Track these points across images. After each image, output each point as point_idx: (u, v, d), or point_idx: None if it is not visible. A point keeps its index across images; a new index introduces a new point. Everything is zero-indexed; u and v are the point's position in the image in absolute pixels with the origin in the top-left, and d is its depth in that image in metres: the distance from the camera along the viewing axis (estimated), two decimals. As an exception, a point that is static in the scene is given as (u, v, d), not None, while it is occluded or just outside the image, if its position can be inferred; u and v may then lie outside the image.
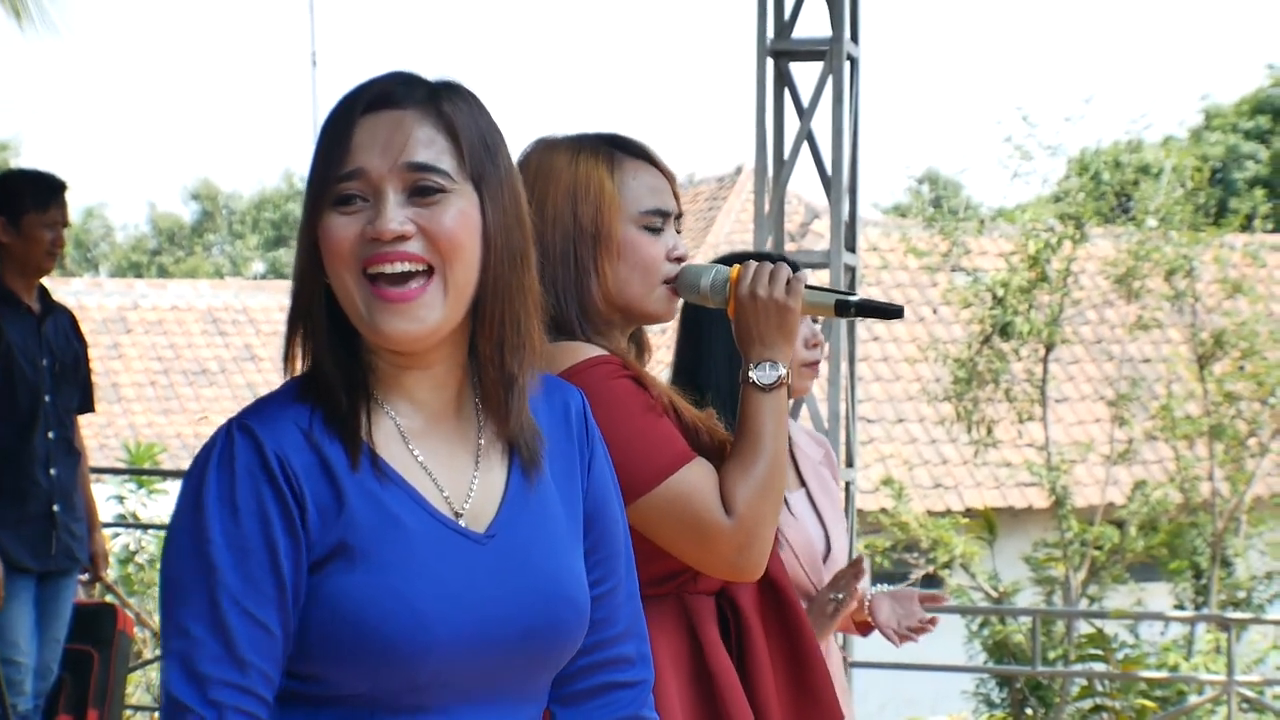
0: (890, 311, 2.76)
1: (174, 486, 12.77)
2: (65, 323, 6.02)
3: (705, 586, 2.81)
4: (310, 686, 1.98)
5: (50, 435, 5.87)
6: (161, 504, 12.48)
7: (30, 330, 5.86)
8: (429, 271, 1.99)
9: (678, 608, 2.77)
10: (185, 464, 18.91)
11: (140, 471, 12.53)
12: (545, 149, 2.82)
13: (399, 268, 1.98)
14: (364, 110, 2.02)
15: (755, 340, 2.76)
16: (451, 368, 2.06)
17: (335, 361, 2.03)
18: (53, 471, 5.87)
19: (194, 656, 1.93)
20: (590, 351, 2.72)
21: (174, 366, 22.38)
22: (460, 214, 2.00)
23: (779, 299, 2.75)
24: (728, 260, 3.29)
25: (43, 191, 5.85)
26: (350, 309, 2.00)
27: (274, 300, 23.65)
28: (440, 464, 2.04)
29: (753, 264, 2.80)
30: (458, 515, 2.04)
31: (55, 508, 5.86)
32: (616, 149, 2.83)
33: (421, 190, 2.00)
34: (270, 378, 20.62)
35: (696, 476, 2.69)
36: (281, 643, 1.96)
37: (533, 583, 2.05)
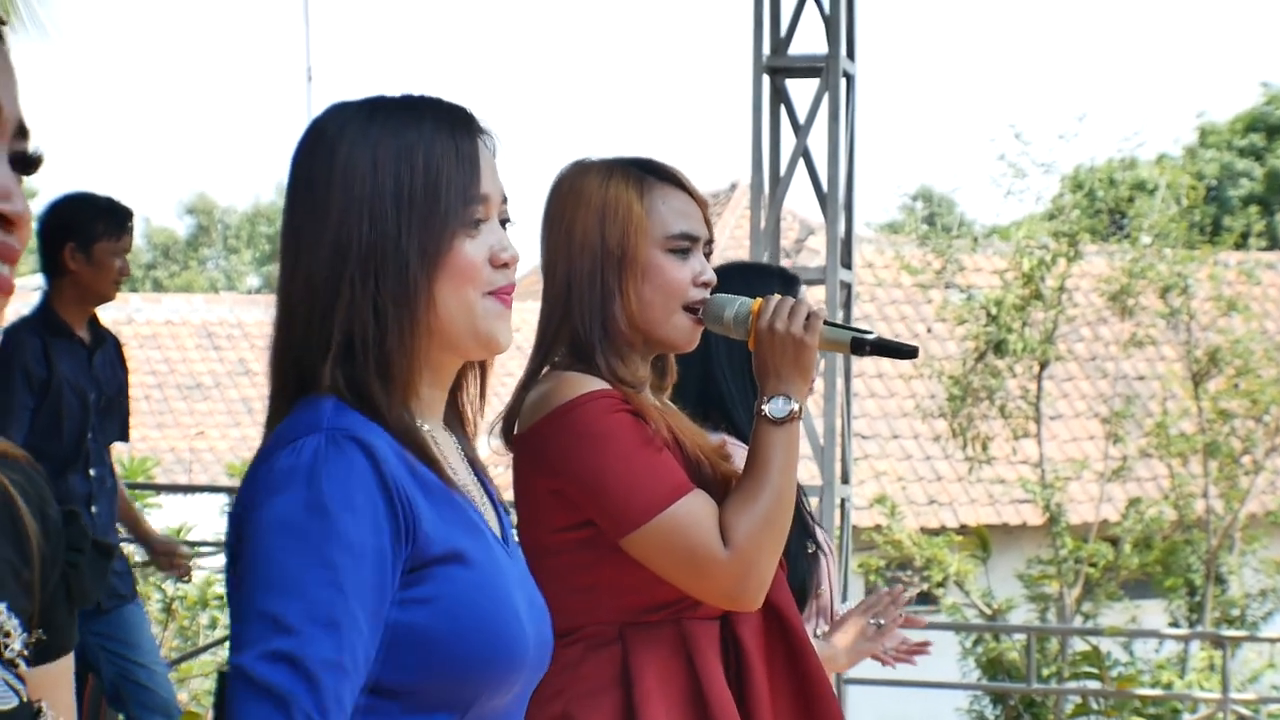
0: (904, 351, 2.78)
1: (168, 500, 12.74)
2: (112, 351, 5.87)
3: (707, 612, 2.80)
4: (398, 701, 1.97)
5: (92, 473, 5.73)
6: (155, 518, 12.42)
7: (82, 364, 5.71)
8: None
9: (675, 635, 2.78)
10: (179, 478, 18.89)
11: (135, 486, 12.49)
12: (578, 172, 2.85)
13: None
14: (477, 132, 2.09)
15: (771, 374, 2.78)
16: (451, 372, 2.13)
17: (400, 383, 2.05)
18: (94, 509, 5.73)
19: (305, 655, 1.88)
20: (592, 385, 2.74)
21: (168, 381, 22.37)
22: None
23: (796, 334, 2.77)
24: (730, 270, 3.30)
25: (115, 218, 5.67)
26: (463, 323, 2.05)
27: (269, 315, 23.56)
28: (460, 475, 2.10)
29: (775, 298, 2.82)
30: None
31: None
32: (648, 173, 2.85)
33: (505, 222, 2.11)
34: (266, 392, 20.48)
35: (694, 508, 2.69)
36: (373, 654, 1.95)
37: (537, 597, 2.11)
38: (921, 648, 3.73)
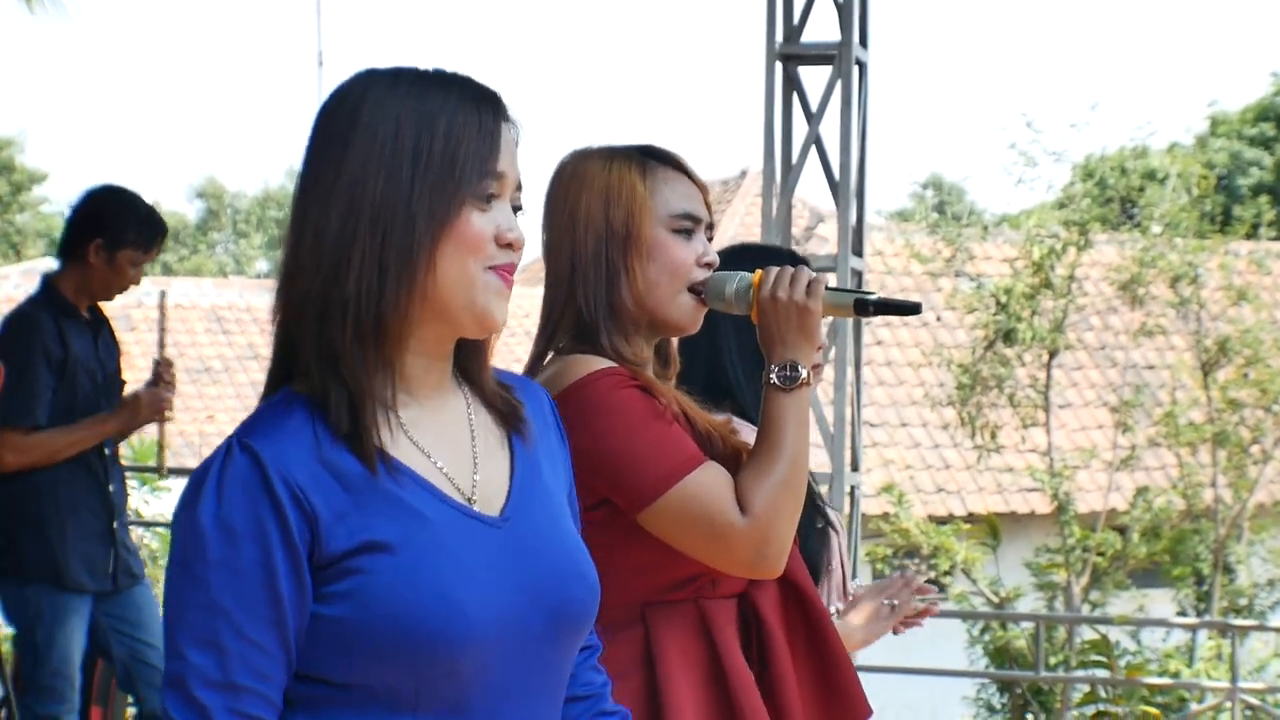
0: (907, 308, 2.80)
1: (176, 484, 12.75)
2: (108, 333, 5.92)
3: (725, 590, 2.82)
4: (350, 692, 2.00)
5: (105, 451, 5.78)
6: (165, 501, 12.48)
7: (89, 343, 5.75)
8: None
9: (694, 613, 2.80)
10: (189, 462, 18.88)
11: (145, 469, 12.50)
12: (580, 158, 2.88)
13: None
14: (502, 115, 2.10)
15: (777, 342, 2.80)
16: (446, 344, 2.11)
17: (389, 345, 2.05)
18: (111, 488, 5.79)
19: (189, 681, 1.96)
20: (599, 363, 2.76)
21: (177, 365, 22.12)
22: None
23: (799, 300, 2.78)
24: (736, 251, 3.33)
25: (149, 232, 5.69)
26: (461, 293, 2.05)
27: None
28: (441, 448, 2.08)
29: (774, 269, 2.84)
30: (470, 500, 2.08)
31: (114, 524, 5.80)
32: (650, 158, 2.88)
33: (517, 208, 2.11)
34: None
35: (709, 478, 2.71)
36: (281, 662, 1.98)
37: (550, 563, 2.09)
38: (927, 610, 3.73)
